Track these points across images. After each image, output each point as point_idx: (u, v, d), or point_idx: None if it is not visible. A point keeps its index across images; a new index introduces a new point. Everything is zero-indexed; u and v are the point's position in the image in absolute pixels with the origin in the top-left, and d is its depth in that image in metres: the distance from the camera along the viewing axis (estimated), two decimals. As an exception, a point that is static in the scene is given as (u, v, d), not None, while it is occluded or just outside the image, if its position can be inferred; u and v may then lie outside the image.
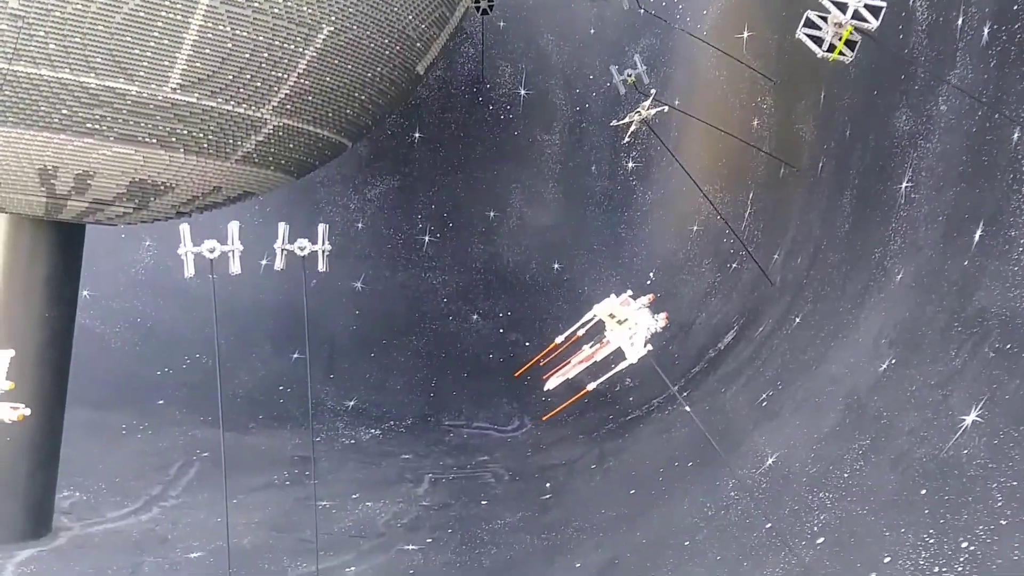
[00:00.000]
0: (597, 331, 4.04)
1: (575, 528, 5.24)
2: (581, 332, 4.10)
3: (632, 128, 6.83)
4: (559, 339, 4.13)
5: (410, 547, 5.03)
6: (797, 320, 5.97)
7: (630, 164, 9.80)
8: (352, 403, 7.62)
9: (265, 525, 5.31)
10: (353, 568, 4.71)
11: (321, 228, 4.34)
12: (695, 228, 9.23)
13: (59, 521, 5.24)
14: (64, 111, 3.86)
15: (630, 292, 4.00)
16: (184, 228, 3.87)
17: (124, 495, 5.73)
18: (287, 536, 5.17)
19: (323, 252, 4.37)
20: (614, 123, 7.13)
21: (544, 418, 5.01)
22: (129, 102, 3.89)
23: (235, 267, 3.98)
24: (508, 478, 6.43)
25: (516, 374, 4.80)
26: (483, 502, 5.89)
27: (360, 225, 8.76)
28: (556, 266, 9.40)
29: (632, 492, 5.39)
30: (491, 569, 4.81)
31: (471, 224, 9.32)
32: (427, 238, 9.07)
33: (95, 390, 7.00)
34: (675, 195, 9.55)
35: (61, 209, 4.51)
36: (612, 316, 3.86)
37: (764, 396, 5.38)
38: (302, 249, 4.36)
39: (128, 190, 4.40)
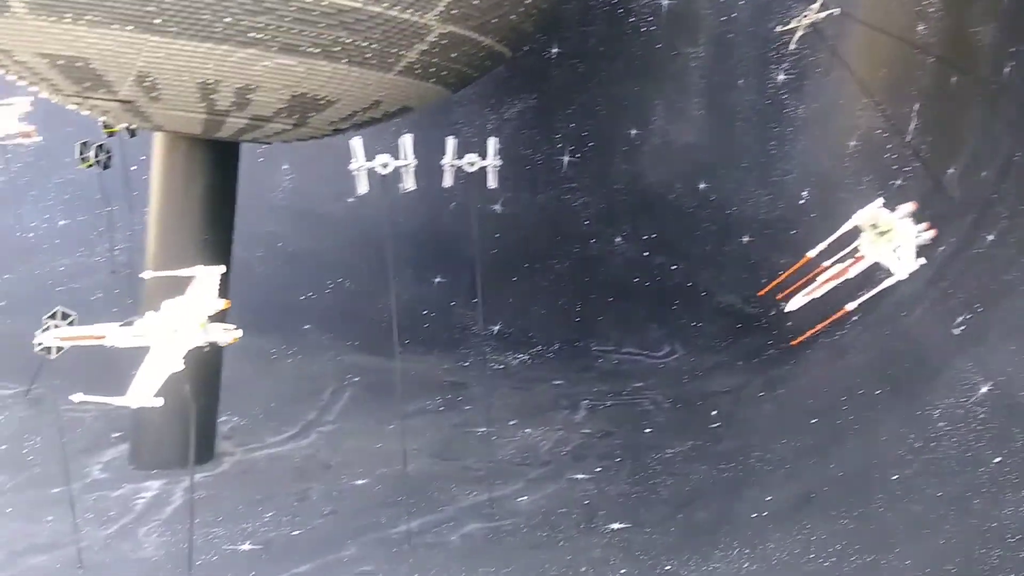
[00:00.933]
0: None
1: (756, 459, 4.96)
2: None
3: (799, 33, 6.34)
4: (811, 253, 3.76)
5: (580, 476, 4.83)
6: (991, 238, 5.47)
7: (781, 76, 9.20)
8: (497, 328, 7.44)
9: (425, 452, 5.19)
10: (525, 497, 4.54)
11: (492, 142, 4.08)
12: (852, 143, 8.65)
13: (221, 446, 5.22)
14: (227, 19, 3.64)
15: (882, 200, 3.60)
16: (356, 143, 3.66)
17: (281, 420, 5.70)
18: (450, 464, 5.03)
19: (493, 167, 4.11)
20: (779, 29, 6.64)
21: (794, 342, 4.69)
22: (294, 8, 3.65)
23: (409, 182, 3.76)
24: (668, 405, 6.16)
25: (760, 293, 4.46)
26: (647, 430, 5.65)
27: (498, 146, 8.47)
28: (702, 186, 8.94)
29: (814, 421, 5.07)
30: (671, 501, 4.57)
31: (612, 143, 8.91)
32: (567, 158, 8.73)
33: (243, 316, 6.92)
34: (830, 108, 8.96)
35: (220, 126, 4.34)
36: (874, 226, 3.48)
37: (960, 320, 4.94)
38: (471, 164, 4.11)
39: (288, 105, 4.20)
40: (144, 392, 2.08)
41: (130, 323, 2.23)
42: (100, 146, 7.23)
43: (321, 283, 7.86)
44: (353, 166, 3.67)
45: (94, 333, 2.24)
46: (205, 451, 5.02)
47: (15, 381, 5.81)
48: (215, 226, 4.89)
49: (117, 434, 5.19)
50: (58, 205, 8.52)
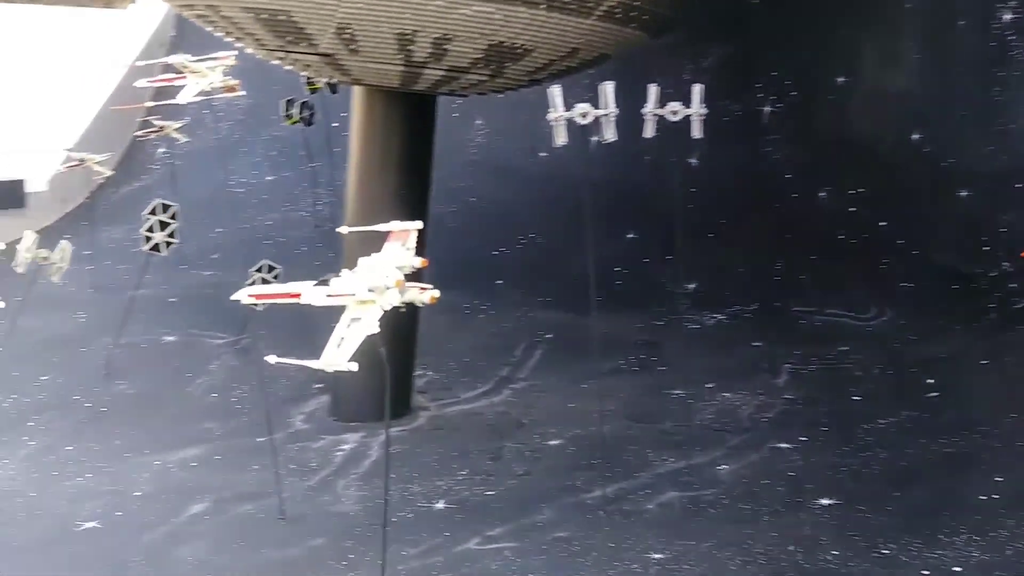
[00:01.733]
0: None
1: (981, 434, 4.52)
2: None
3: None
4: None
5: (783, 446, 4.53)
6: None
7: (1007, 16, 8.33)
8: (693, 286, 7.15)
9: (620, 414, 5.02)
10: (725, 466, 4.30)
11: (697, 89, 3.82)
12: (1093, 86, 7.78)
13: (416, 400, 5.24)
14: (425, -34, 3.56)
15: None
16: (555, 91, 3.49)
17: (475, 376, 5.66)
18: (646, 427, 4.84)
19: (699, 116, 3.86)
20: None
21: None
22: (492, -49, 3.52)
23: (609, 133, 3.57)
24: (878, 372, 5.72)
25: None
26: (855, 398, 5.26)
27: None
28: (915, 136, 8.25)
29: (1051, 395, 4.58)
30: (886, 477, 4.21)
31: (817, 92, 8.34)
32: (768, 108, 8.26)
33: (437, 270, 6.90)
34: (1066, 48, 8.09)
35: (417, 78, 4.27)
36: None
37: None
38: (674, 113, 3.87)
39: (485, 55, 4.07)
40: (339, 356, 2.01)
41: (325, 282, 2.17)
42: (304, 103, 7.42)
43: (513, 239, 7.81)
44: (551, 116, 3.51)
45: (289, 291, 2.20)
46: (401, 405, 5.05)
47: (225, 331, 6.06)
48: (412, 181, 4.86)
49: (319, 385, 5.32)
50: (265, 161, 8.84)
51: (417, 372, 5.40)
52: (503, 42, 3.98)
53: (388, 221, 4.73)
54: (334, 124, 8.00)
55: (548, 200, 7.98)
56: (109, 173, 6.84)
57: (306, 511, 3.89)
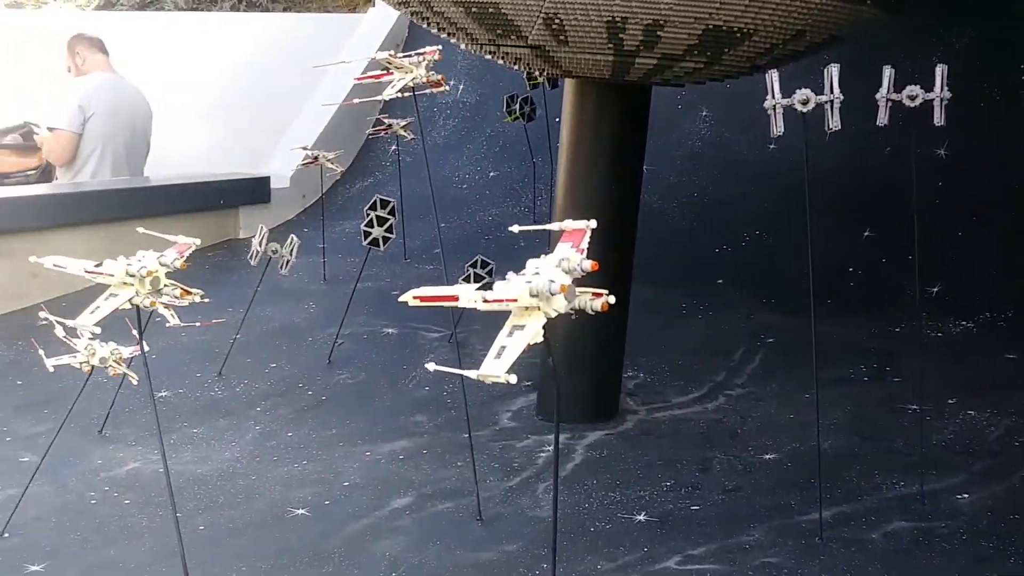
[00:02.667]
0: None
1: None
2: None
3: None
4: None
5: (1039, 476, 4.01)
6: None
7: None
8: (936, 290, 6.53)
9: (845, 428, 4.62)
10: (966, 496, 3.85)
11: (940, 70, 3.40)
12: None
13: (624, 403, 5.07)
14: (634, -51, 3.37)
15: None
16: (772, 76, 3.22)
17: (688, 380, 5.40)
18: (874, 444, 4.43)
19: (941, 100, 3.43)
20: None
21: None
22: (703, -72, 3.28)
23: (833, 122, 3.25)
24: None
25: None
26: None
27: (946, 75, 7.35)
28: None
29: None
30: None
31: (1092, 73, 7.42)
32: (1030, 91, 7.41)
33: (654, 268, 6.68)
34: None
35: (628, 68, 4.09)
36: None
37: None
38: (912, 98, 3.47)
39: (700, 41, 3.83)
40: (498, 366, 1.87)
41: (488, 285, 2.04)
42: (525, 99, 7.42)
43: (737, 236, 7.44)
44: (768, 103, 3.22)
45: (448, 294, 2.09)
46: (608, 407, 4.91)
47: (441, 325, 6.14)
48: (623, 175, 4.69)
49: (528, 383, 5.27)
50: (488, 157, 8.91)
51: (627, 373, 5.23)
52: (719, 26, 3.72)
53: (595, 217, 4.59)
54: (556, 119, 7.95)
55: (777, 195, 7.55)
56: (341, 170, 7.10)
57: (504, 512, 3.81)
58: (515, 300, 1.93)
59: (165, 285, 2.48)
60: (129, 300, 2.43)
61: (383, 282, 7.08)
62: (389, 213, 5.23)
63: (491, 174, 8.93)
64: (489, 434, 4.64)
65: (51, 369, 3.57)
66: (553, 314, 1.93)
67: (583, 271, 1.98)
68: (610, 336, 4.85)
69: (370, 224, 5.19)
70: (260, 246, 5.34)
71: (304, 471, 4.30)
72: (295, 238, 5.54)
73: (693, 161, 7.96)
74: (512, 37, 3.97)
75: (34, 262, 2.83)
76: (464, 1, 3.82)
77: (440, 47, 3.91)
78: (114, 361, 3.57)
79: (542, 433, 4.71)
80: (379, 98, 3.81)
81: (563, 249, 2.06)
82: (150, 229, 3.13)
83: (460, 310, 5.78)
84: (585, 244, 2.08)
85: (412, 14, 4.22)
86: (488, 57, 4.44)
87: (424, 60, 3.76)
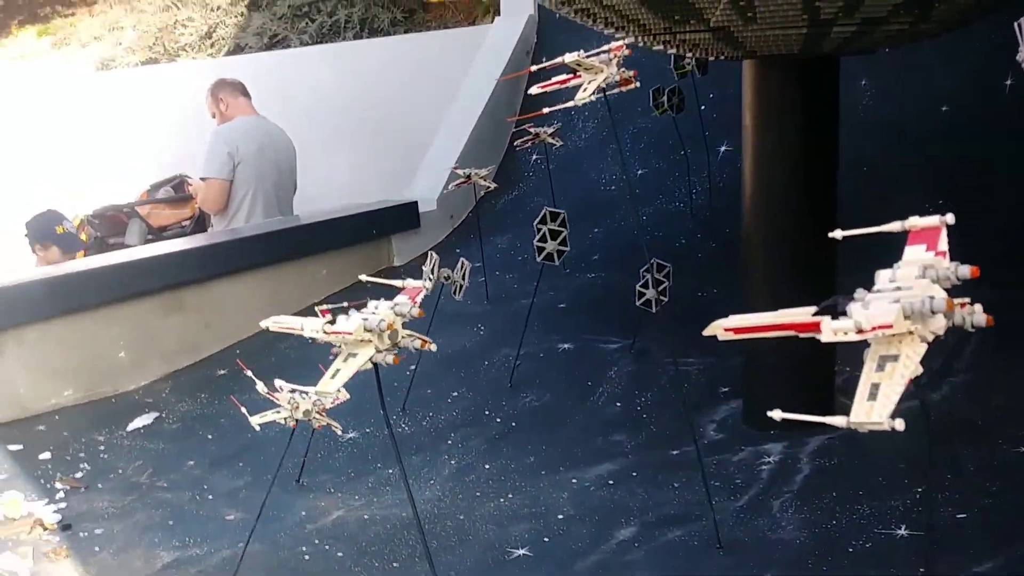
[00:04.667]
0: None
1: None
2: None
3: None
4: None
5: None
6: None
7: None
8: None
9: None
10: None
11: None
12: None
13: (839, 402, 4.66)
14: (839, -98, 3.01)
15: None
16: (1022, 24, 2.80)
17: (901, 369, 4.96)
18: None
19: None
20: None
21: None
22: None
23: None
24: None
25: None
26: None
27: None
28: None
29: None
30: None
31: None
32: None
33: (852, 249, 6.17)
34: None
35: (823, 39, 3.72)
36: None
37: None
38: None
39: (908, -2, 3.44)
40: (876, 410, 1.54)
41: (834, 308, 1.69)
42: (673, 90, 7.07)
43: (920, 208, 6.89)
44: (1022, 54, 2.81)
45: (788, 322, 1.77)
46: (825, 409, 4.50)
47: (618, 335, 5.86)
48: (818, 162, 4.31)
49: (725, 389, 4.93)
50: (635, 155, 8.59)
51: (836, 368, 4.84)
52: (933, -23, 3.32)
53: (790, 209, 4.21)
54: (702, 107, 7.58)
55: (954, 162, 6.99)
56: (494, 186, 6.91)
57: (742, 537, 3.49)
58: (890, 326, 1.60)
59: (403, 337, 2.27)
60: (370, 359, 2.23)
61: (546, 296, 6.85)
62: (560, 225, 4.99)
63: (640, 172, 8.60)
64: (694, 451, 4.31)
65: (257, 428, 3.45)
66: (931, 338, 1.59)
67: (959, 279, 1.64)
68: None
69: (543, 238, 4.95)
70: (432, 274, 5.16)
71: (512, 505, 4.08)
72: (465, 261, 5.35)
73: (858, 131, 7.45)
74: (692, 22, 3.66)
75: (263, 326, 2.67)
76: (640, -12, 3.53)
77: (627, 41, 3.63)
78: (317, 413, 3.43)
79: (756, 443, 4.37)
80: (573, 103, 3.55)
81: (917, 253, 1.72)
82: (307, 267, 2.96)
83: (637, 319, 5.50)
84: (942, 244, 1.73)
85: (576, 12, 3.95)
86: (659, 48, 4.13)
87: (615, 57, 3.49)
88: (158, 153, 10.94)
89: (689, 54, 4.05)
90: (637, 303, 4.96)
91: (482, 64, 9.07)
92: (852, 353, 4.81)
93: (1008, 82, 6.93)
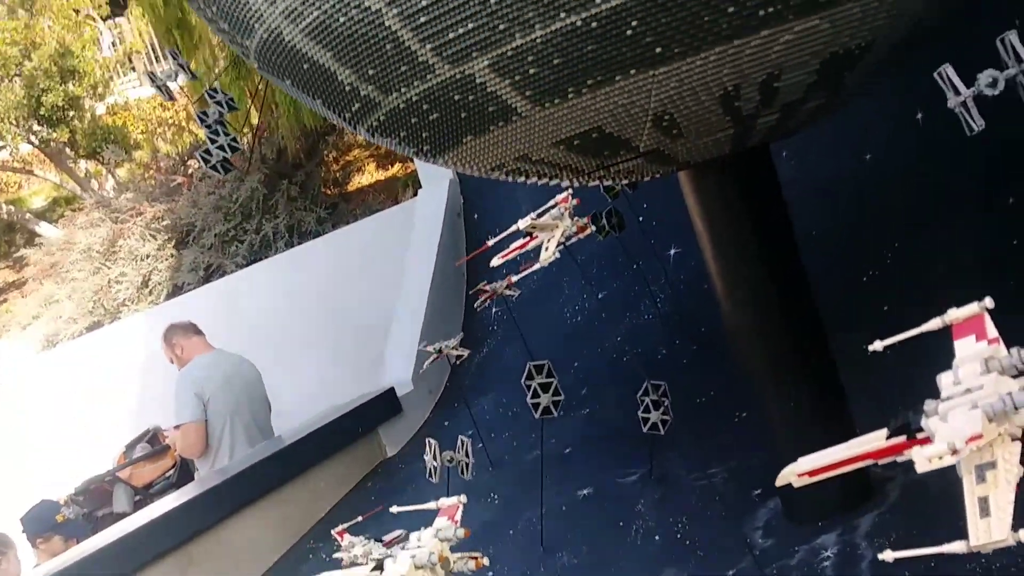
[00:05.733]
0: None
1: None
2: None
3: None
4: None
5: None
6: None
7: None
8: None
9: None
10: None
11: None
12: None
13: (873, 472, 4.55)
14: (731, 9, 3.09)
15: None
16: (947, 71, 2.83)
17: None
18: None
19: None
20: None
21: None
22: (799, -43, 3.01)
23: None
24: None
25: None
26: None
27: None
28: None
29: None
30: None
31: None
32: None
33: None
34: None
35: (750, 134, 3.79)
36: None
37: None
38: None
39: (819, 74, 3.52)
40: (996, 526, 1.42)
41: (908, 427, 1.59)
42: (609, 211, 7.16)
43: (879, 260, 6.98)
44: (953, 102, 2.85)
45: (872, 449, 1.65)
46: (863, 486, 4.40)
47: (634, 465, 5.73)
48: (776, 241, 4.33)
49: (758, 491, 4.80)
50: (591, 279, 8.65)
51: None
52: (836, 51, 3.41)
53: (768, 298, 4.18)
54: (639, 218, 7.68)
55: (896, 205, 7.10)
56: (466, 353, 6.85)
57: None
58: (981, 436, 1.50)
59: (455, 562, 2.15)
60: (427, 595, 2.08)
61: (548, 445, 6.68)
62: (548, 376, 4.92)
63: (600, 295, 8.63)
64: (751, 563, 4.15)
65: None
66: (1020, 433, 1.50)
67: None
68: (834, 405, 4.40)
69: (535, 394, 4.87)
70: (436, 461, 5.03)
71: None
72: (464, 439, 5.23)
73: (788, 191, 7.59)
74: (622, 152, 3.70)
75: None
76: (565, 139, 3.58)
77: (570, 190, 3.65)
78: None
79: (809, 539, 4.22)
80: (539, 265, 3.54)
81: (969, 347, 1.64)
82: (305, 484, 2.85)
83: (650, 442, 5.38)
84: (992, 331, 1.64)
85: (507, 173, 3.98)
86: (594, 183, 4.17)
87: (566, 210, 3.50)
88: (125, 412, 10.75)
89: (624, 181, 4.08)
90: (644, 429, 4.85)
91: (419, 237, 9.16)
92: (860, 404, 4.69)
93: (919, 115, 7.10)
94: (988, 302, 1.69)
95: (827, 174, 7.52)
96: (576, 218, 3.44)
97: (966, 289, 5.78)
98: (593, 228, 7.11)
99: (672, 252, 7.94)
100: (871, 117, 7.35)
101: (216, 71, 10.28)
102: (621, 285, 8.36)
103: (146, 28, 15.08)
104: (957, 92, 2.79)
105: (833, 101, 3.82)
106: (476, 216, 9.38)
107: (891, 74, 3.85)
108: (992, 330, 1.63)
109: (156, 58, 19.60)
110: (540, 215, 3.48)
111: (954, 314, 1.71)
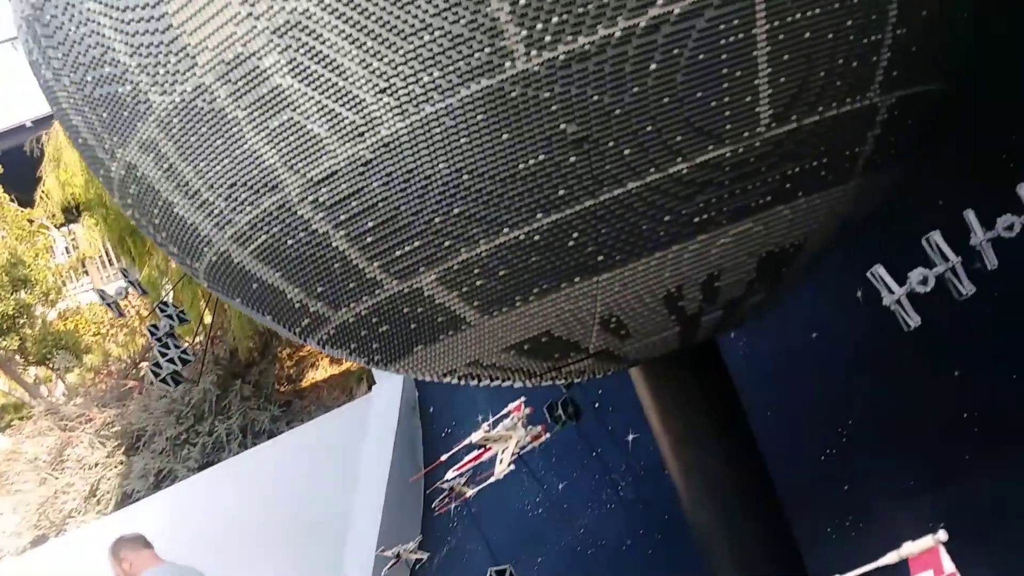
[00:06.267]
0: None
1: None
2: None
3: None
4: None
5: None
6: None
7: None
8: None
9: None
10: None
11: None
12: None
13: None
14: (667, 218, 3.21)
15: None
16: (879, 271, 2.93)
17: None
18: None
19: (1041, 217, 3.16)
20: None
21: None
22: (728, 169, 3.15)
23: (965, 286, 2.94)
24: None
25: None
26: None
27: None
28: None
29: None
30: None
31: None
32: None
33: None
34: None
35: (695, 331, 3.86)
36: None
37: None
38: (1009, 229, 3.19)
39: (757, 273, 3.63)
40: None
41: None
42: (565, 400, 7.16)
43: (832, 438, 7.00)
44: (888, 299, 2.94)
45: None
46: None
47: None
48: (733, 431, 4.34)
49: None
50: (549, 471, 8.53)
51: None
52: (772, 250, 3.53)
53: (734, 483, 4.15)
54: (595, 404, 7.68)
55: (847, 378, 7.18)
56: (425, 556, 6.65)
57: None
58: None
59: None
60: None
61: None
62: (511, 580, 4.76)
63: (560, 485, 8.51)
64: None
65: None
66: None
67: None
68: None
69: (506, 599, 4.71)
70: None
71: None
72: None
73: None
74: (572, 354, 3.74)
75: None
76: (515, 344, 3.61)
77: (523, 398, 3.65)
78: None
79: None
80: (495, 478, 3.48)
81: None
82: None
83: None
84: (948, 565, 1.61)
85: (459, 378, 3.99)
86: (546, 383, 4.19)
87: (518, 420, 3.48)
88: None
89: (577, 380, 4.10)
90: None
91: (374, 434, 9.04)
92: None
93: (859, 294, 7.28)
94: (942, 535, 1.68)
95: (777, 353, 7.63)
96: (529, 427, 3.41)
97: (921, 461, 5.77)
98: (549, 421, 7.11)
99: (630, 438, 7.89)
100: (814, 295, 7.55)
101: (167, 287, 10.36)
102: (581, 474, 8.26)
103: (99, 235, 15.26)
104: (891, 291, 2.88)
105: (775, 295, 3.92)
106: (432, 409, 9.31)
107: (829, 257, 3.97)
108: (948, 564, 1.60)
109: (110, 261, 19.75)
110: (493, 425, 3.45)
111: (909, 548, 1.69)
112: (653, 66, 2.84)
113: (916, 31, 3.22)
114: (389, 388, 9.14)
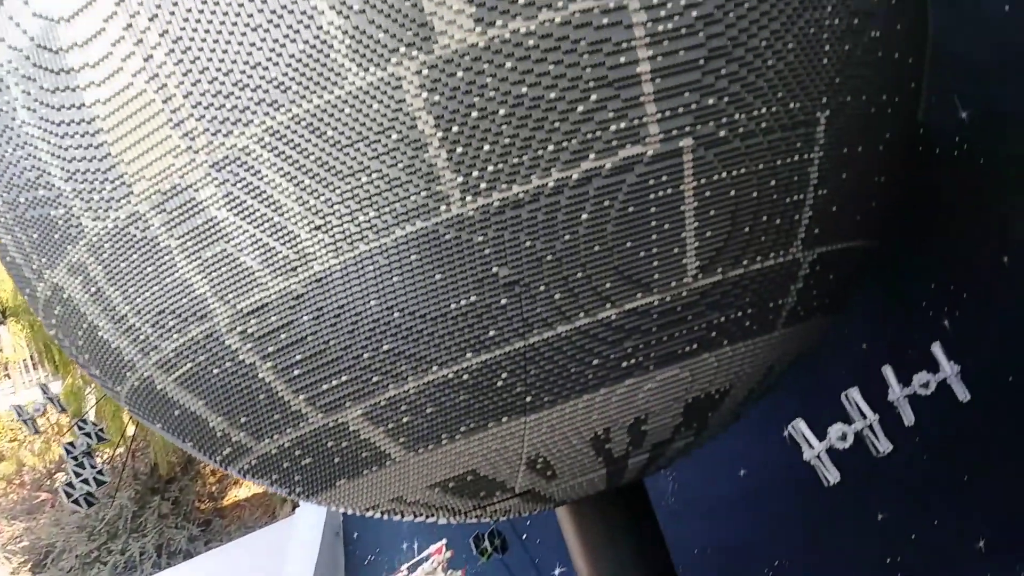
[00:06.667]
0: None
1: None
2: None
3: None
4: None
5: None
6: None
7: None
8: None
9: None
10: None
11: (937, 348, 3.27)
12: None
13: None
14: (595, 362, 3.25)
15: None
16: (800, 425, 2.99)
17: None
18: None
19: (955, 376, 3.27)
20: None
21: None
22: (655, 316, 3.21)
23: (883, 443, 3.00)
24: None
25: None
26: None
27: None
28: None
29: None
30: None
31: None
32: None
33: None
34: None
35: (623, 473, 3.86)
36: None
37: None
38: (925, 386, 3.28)
39: (684, 417, 3.67)
40: None
41: None
42: (492, 532, 7.04)
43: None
44: (808, 454, 2.98)
45: None
46: None
47: None
48: (658, 569, 4.31)
49: None
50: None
51: None
52: (698, 396, 3.58)
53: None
54: (523, 536, 7.56)
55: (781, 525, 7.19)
56: None
57: None
58: None
59: None
60: None
61: None
62: None
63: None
64: None
65: None
66: None
67: None
68: None
69: None
70: None
71: None
72: None
73: (673, 518, 7.62)
74: (497, 494, 3.70)
75: None
76: (439, 482, 3.57)
77: (445, 540, 3.58)
78: None
79: None
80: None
81: None
82: None
83: None
84: None
85: (383, 512, 3.92)
86: (471, 521, 4.13)
87: (438, 563, 3.41)
88: None
89: (503, 518, 4.05)
90: None
91: (296, 558, 8.75)
92: None
93: (786, 433, 7.36)
94: None
95: (705, 490, 7.63)
96: (451, 571, 3.34)
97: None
98: (475, 552, 6.97)
99: (557, 572, 7.75)
100: (743, 431, 7.61)
101: (89, 397, 10.09)
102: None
103: (24, 340, 14.89)
104: (811, 446, 2.92)
105: (700, 438, 3.95)
106: (356, 535, 9.07)
107: (757, 403, 4.03)
108: None
109: (34, 365, 19.23)
110: (413, 568, 3.37)
111: None
112: (584, 216, 2.92)
113: (837, 192, 3.37)
114: (313, 511, 8.90)
